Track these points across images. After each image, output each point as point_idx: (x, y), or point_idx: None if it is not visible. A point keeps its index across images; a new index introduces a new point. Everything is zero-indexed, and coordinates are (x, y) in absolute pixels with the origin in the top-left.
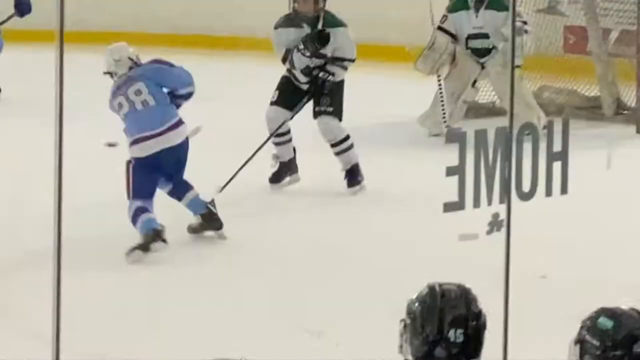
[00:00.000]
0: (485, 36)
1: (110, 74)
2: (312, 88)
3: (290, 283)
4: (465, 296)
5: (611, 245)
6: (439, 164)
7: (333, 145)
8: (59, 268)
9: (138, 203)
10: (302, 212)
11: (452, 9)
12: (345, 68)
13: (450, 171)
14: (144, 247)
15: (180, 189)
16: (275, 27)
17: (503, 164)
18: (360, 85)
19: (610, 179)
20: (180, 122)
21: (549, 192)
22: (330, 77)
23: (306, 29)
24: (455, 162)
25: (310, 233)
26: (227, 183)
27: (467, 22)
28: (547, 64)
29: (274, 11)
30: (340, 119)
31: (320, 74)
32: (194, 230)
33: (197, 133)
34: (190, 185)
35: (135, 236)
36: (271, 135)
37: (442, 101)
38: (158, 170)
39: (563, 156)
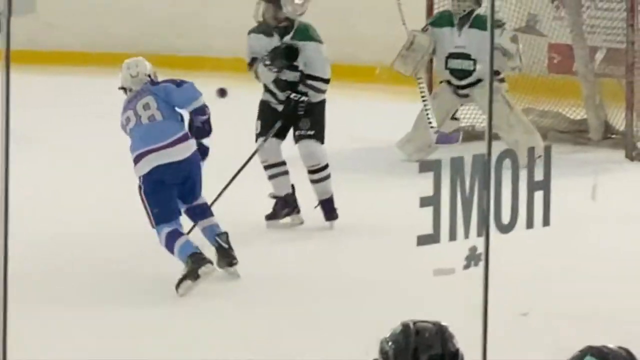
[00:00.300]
0: (467, 57)
1: (125, 89)
2: (286, 109)
3: (259, 319)
4: (441, 334)
5: (597, 278)
6: (417, 192)
7: (312, 172)
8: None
9: (167, 228)
10: (271, 245)
11: (435, 23)
12: (317, 90)
13: (424, 202)
14: (193, 275)
15: (195, 213)
16: (249, 33)
17: (481, 194)
18: (333, 107)
19: (597, 208)
20: (185, 137)
21: (530, 224)
22: (303, 98)
23: (276, 39)
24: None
25: (281, 267)
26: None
27: (450, 40)
28: (530, 85)
29: (240, 29)
30: (322, 143)
31: (292, 95)
32: (219, 265)
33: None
34: (208, 212)
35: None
36: (246, 162)
37: (425, 101)
38: (169, 187)
39: (545, 185)
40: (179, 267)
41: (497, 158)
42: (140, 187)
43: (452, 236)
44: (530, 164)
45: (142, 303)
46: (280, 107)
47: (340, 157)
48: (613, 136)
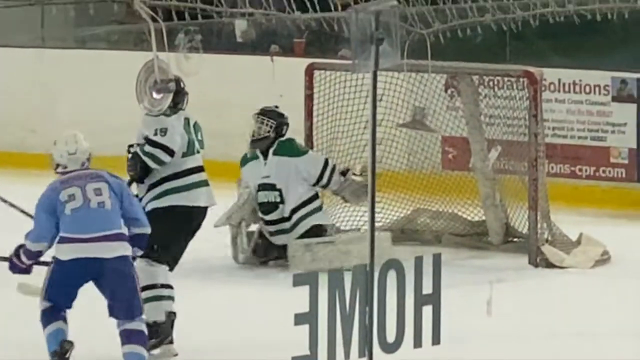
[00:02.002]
0: (272, 187)
1: (58, 166)
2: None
3: None
4: None
5: None
6: (293, 306)
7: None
8: None
9: (48, 304)
10: None
11: (243, 162)
12: (156, 159)
13: (299, 319)
14: None
15: (125, 336)
16: None
17: (363, 309)
18: None
19: (494, 323)
20: (119, 237)
21: (417, 343)
22: (134, 150)
23: None
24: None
25: None
26: None
27: (257, 172)
28: (421, 183)
29: (95, 126)
30: (153, 258)
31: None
32: None
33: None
34: (136, 339)
35: None
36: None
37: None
38: (75, 283)
39: (435, 298)
40: None
41: (380, 269)
42: (51, 262)
43: (331, 357)
44: (417, 276)
45: None
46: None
47: (210, 265)
48: (515, 240)
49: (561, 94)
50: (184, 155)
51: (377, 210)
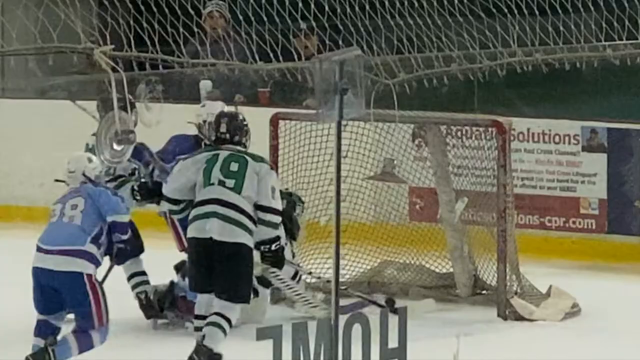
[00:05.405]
0: None
1: (63, 181)
2: None
3: None
4: None
5: None
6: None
7: None
8: None
9: (39, 316)
10: None
11: None
12: None
13: None
14: None
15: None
16: None
17: None
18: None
19: None
20: (76, 253)
21: None
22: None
23: None
24: None
25: None
26: None
27: None
28: (388, 235)
29: (52, 177)
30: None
31: None
32: None
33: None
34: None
35: None
36: None
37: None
38: (43, 288)
39: (400, 353)
40: None
41: (345, 323)
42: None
43: None
44: (382, 329)
45: None
46: None
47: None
48: (483, 292)
49: (530, 144)
50: (204, 186)
51: (343, 262)
